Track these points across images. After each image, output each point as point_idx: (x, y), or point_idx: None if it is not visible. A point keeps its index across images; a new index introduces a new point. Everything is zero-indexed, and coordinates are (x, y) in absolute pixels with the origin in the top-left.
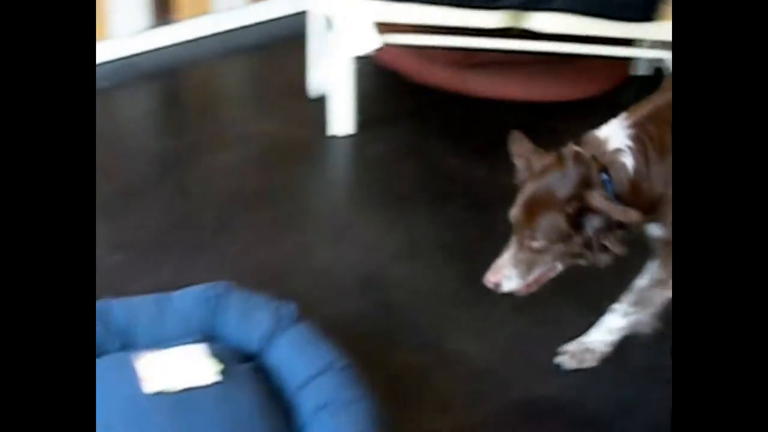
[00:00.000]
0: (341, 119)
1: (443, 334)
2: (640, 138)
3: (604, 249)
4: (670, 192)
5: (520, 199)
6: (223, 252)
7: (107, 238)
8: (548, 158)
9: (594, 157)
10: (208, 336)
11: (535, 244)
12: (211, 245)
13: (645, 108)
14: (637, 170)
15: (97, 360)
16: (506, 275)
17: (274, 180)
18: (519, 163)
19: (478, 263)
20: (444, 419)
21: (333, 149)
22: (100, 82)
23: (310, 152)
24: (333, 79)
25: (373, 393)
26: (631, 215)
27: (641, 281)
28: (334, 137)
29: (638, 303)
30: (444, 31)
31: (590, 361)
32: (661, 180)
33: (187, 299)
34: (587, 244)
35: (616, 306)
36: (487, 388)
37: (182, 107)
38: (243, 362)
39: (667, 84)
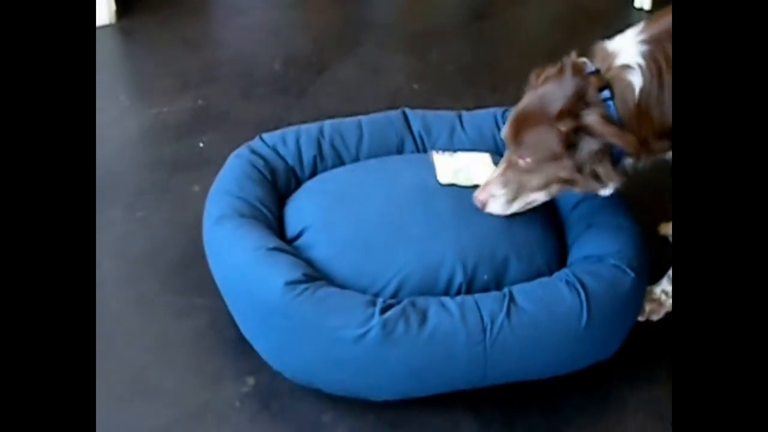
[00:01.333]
0: None
1: None
2: (655, 57)
3: (597, 177)
4: None
5: (512, 113)
6: (516, 94)
7: (411, 69)
8: (552, 69)
9: (597, 72)
10: (496, 150)
11: (522, 162)
12: (505, 87)
13: (665, 21)
14: (645, 92)
15: (399, 156)
16: (493, 194)
17: (572, 40)
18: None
19: None
20: None
21: (634, 20)
22: None
23: (612, 20)
24: None
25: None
26: (631, 141)
27: None
28: (637, 9)
29: None
30: None
31: None
32: None
33: (483, 116)
34: (579, 169)
35: None
36: None
37: None
38: None
39: None
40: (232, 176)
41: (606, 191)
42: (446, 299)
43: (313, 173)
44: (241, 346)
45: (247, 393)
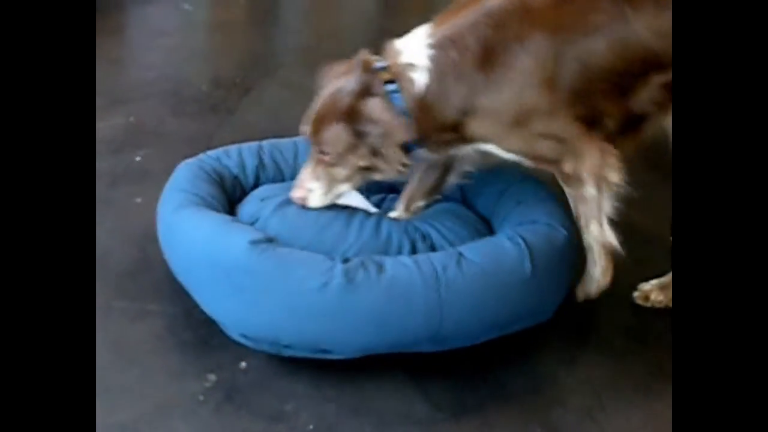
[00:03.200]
0: None
1: None
2: (440, 61)
3: (391, 161)
4: (466, 120)
5: (309, 112)
6: None
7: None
8: (341, 67)
9: (385, 67)
10: None
11: (326, 158)
12: None
13: (450, 26)
14: (429, 90)
15: None
16: (310, 189)
17: None
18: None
19: None
20: None
21: None
22: None
23: None
24: None
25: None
26: (399, 130)
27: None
28: None
29: (580, 218)
30: None
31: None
32: (455, 108)
33: None
34: (374, 153)
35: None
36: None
37: None
38: None
39: None
40: (184, 178)
41: (400, 174)
42: (400, 256)
43: (256, 184)
44: (200, 347)
45: (209, 388)
